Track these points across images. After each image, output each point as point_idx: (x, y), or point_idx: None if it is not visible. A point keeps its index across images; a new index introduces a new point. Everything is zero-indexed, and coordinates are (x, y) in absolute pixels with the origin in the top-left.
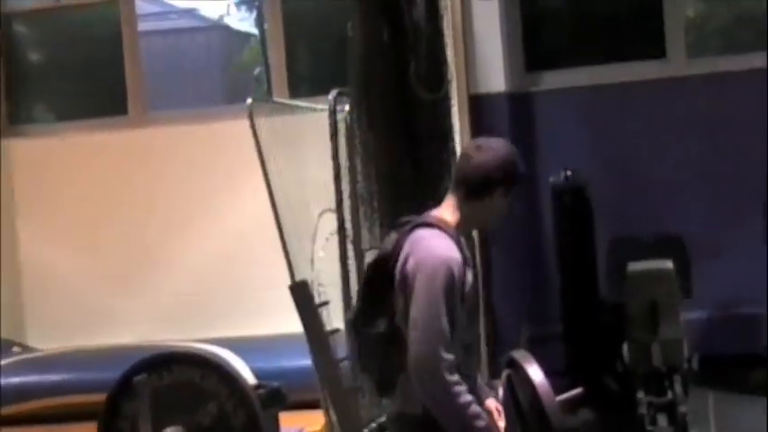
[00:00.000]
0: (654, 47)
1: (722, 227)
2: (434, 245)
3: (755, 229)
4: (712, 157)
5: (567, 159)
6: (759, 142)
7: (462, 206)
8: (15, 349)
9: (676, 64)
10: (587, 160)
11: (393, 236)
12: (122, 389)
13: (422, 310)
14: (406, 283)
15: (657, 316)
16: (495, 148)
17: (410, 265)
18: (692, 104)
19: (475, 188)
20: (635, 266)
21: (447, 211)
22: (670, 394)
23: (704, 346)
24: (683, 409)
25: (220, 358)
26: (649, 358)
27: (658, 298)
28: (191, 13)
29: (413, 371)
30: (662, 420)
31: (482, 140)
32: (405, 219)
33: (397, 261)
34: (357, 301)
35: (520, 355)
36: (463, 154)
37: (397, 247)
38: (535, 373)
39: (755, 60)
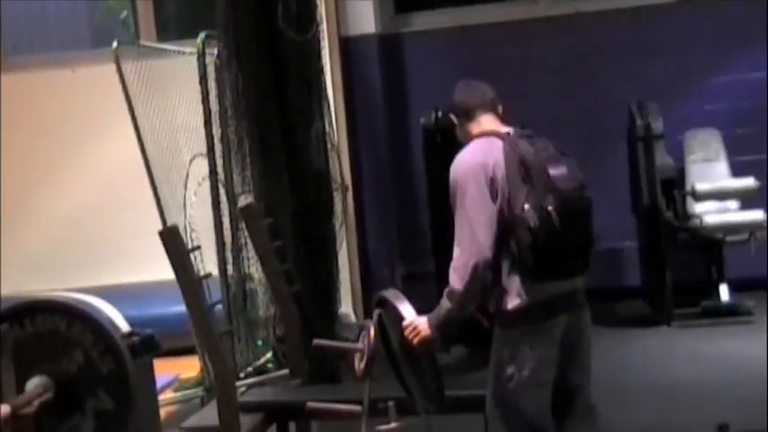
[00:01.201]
0: None
1: (586, 167)
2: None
3: (617, 169)
4: (576, 95)
5: (438, 100)
6: (623, 79)
7: None
8: None
9: (542, 4)
10: None
11: None
12: None
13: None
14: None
15: None
16: None
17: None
18: (557, 44)
19: None
20: None
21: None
22: None
23: None
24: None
25: (86, 305)
26: None
27: None
28: None
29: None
30: None
31: None
32: None
33: None
34: None
35: (390, 293)
36: None
37: None
38: (406, 310)
39: (616, 1)
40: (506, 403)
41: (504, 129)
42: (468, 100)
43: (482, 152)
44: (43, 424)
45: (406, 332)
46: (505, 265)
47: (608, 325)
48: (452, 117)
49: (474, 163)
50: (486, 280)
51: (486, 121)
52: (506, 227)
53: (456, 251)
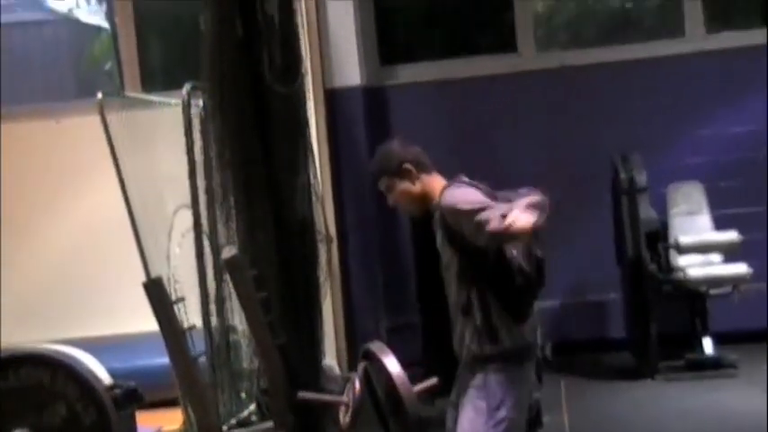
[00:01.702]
0: (504, 41)
1: (571, 219)
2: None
3: (601, 220)
4: (561, 147)
5: (424, 147)
6: (608, 130)
7: None
8: None
9: (526, 58)
10: (442, 153)
11: None
12: None
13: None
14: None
15: None
16: None
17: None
18: (541, 96)
19: None
20: None
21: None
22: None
23: (557, 334)
24: (536, 395)
25: (69, 358)
26: None
27: None
28: (38, 4)
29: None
30: None
31: None
32: None
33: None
34: None
35: (376, 346)
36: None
37: None
38: (391, 363)
39: (601, 54)
40: None
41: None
42: (419, 155)
43: (472, 190)
44: None
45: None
46: (494, 309)
47: (593, 377)
48: (407, 169)
49: (470, 191)
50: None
51: (437, 175)
52: (493, 271)
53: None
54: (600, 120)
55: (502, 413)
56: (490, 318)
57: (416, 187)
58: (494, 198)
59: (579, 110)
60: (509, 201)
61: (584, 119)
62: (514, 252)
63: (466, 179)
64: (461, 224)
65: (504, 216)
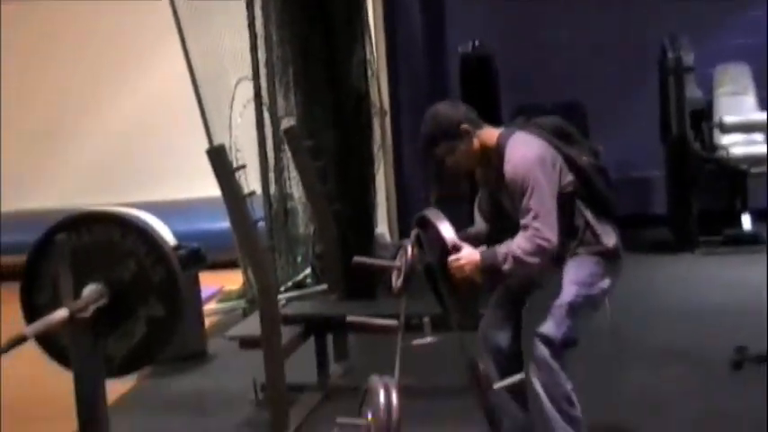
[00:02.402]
0: None
1: (619, 98)
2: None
3: (647, 100)
4: (610, 28)
5: (476, 29)
6: (655, 12)
7: None
8: None
9: None
10: (496, 32)
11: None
12: (43, 248)
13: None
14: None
15: None
16: None
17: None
18: None
19: None
20: None
21: None
22: None
23: None
24: None
25: (138, 218)
26: None
27: None
28: None
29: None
30: None
31: None
32: None
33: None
34: None
35: (431, 213)
36: None
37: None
38: (446, 229)
39: None
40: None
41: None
42: (470, 112)
43: (538, 145)
44: (99, 328)
45: (456, 260)
46: (589, 213)
47: (635, 250)
48: (463, 129)
49: (539, 156)
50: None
51: (488, 126)
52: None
53: (537, 224)
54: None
55: (598, 283)
56: (587, 223)
57: (476, 145)
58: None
59: None
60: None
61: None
62: (584, 159)
63: (522, 129)
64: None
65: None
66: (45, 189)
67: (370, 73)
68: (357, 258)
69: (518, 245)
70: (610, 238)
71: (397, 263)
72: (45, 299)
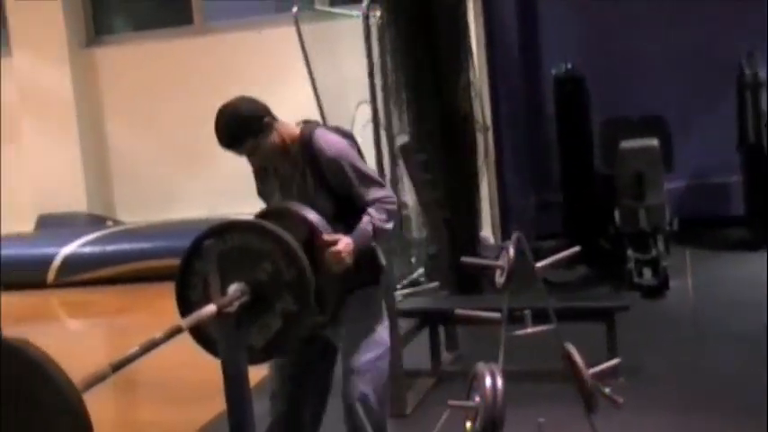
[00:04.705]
0: None
1: (697, 108)
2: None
3: (725, 108)
4: (687, 43)
5: (568, 52)
6: (725, 27)
7: None
8: (108, 223)
9: None
10: (585, 52)
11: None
12: (194, 251)
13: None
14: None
15: (644, 185)
16: None
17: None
18: None
19: None
20: (626, 144)
21: None
22: (654, 251)
23: (683, 211)
24: (664, 263)
25: (273, 225)
26: (637, 221)
27: (645, 170)
28: None
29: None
30: (647, 273)
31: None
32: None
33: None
34: None
35: (295, 205)
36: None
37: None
38: (318, 220)
39: None
40: None
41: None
42: (266, 105)
43: (343, 135)
44: (242, 321)
45: (336, 251)
46: None
47: (714, 248)
48: (269, 123)
49: (350, 143)
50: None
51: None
52: None
53: (380, 193)
54: (728, 12)
55: None
56: None
57: (279, 137)
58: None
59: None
60: None
61: (712, 18)
62: None
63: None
64: (345, 180)
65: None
66: (190, 201)
67: (473, 93)
68: (465, 258)
69: (375, 217)
70: None
71: (501, 262)
72: (196, 296)
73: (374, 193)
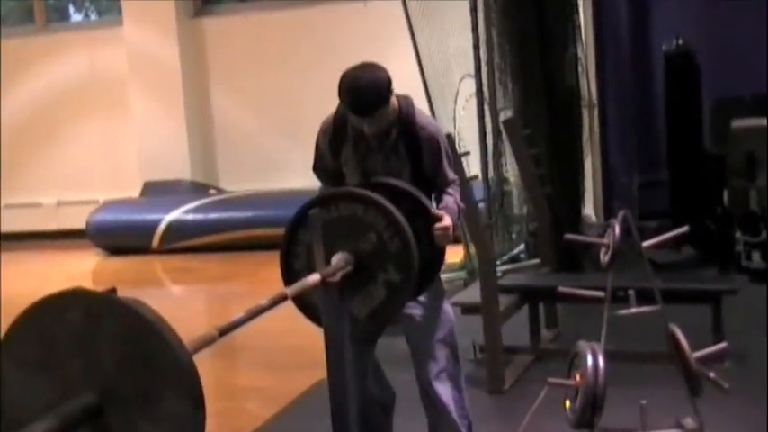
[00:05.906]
0: None
1: None
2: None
3: None
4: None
5: (679, 27)
6: None
7: None
8: (212, 191)
9: None
10: (697, 28)
11: None
12: (299, 221)
13: None
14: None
15: (755, 166)
16: None
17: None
18: None
19: None
20: (737, 123)
21: None
22: (764, 234)
23: None
24: None
25: (378, 196)
26: (746, 203)
27: (757, 150)
28: None
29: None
30: (756, 257)
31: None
32: None
33: None
34: None
35: (400, 183)
36: None
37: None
38: (425, 198)
39: None
40: None
41: None
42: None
43: None
44: (345, 291)
45: (443, 227)
46: None
47: None
48: (393, 98)
49: None
50: None
51: None
52: None
53: (454, 175)
54: None
55: None
56: None
57: (395, 107)
58: None
59: None
60: None
61: None
62: None
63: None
64: (436, 157)
65: None
66: (291, 172)
67: (580, 69)
68: (568, 236)
69: (455, 198)
70: None
71: (606, 240)
72: (300, 265)
73: (452, 175)
